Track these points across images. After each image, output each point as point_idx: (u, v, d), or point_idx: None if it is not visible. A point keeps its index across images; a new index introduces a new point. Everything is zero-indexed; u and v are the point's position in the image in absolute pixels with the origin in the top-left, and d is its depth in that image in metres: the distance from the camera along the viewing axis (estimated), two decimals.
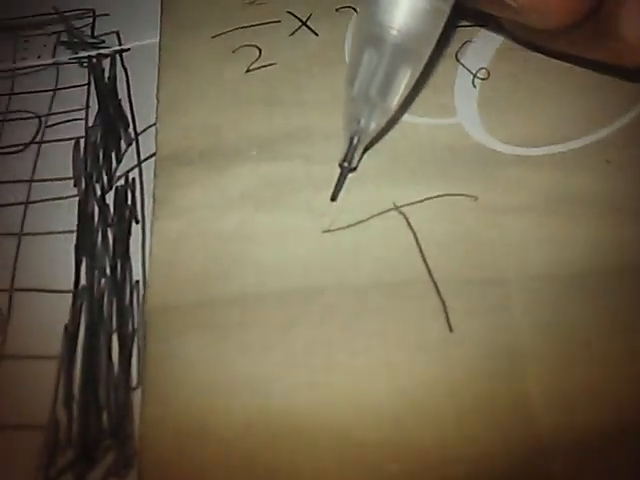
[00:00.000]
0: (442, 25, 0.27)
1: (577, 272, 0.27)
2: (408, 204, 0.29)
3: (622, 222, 0.28)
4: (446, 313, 0.27)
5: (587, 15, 0.26)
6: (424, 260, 0.28)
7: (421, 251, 0.28)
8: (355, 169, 0.30)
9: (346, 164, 0.29)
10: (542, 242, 0.28)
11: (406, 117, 0.32)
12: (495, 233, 0.28)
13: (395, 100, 0.28)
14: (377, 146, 0.31)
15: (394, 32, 0.26)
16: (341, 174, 0.29)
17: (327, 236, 0.29)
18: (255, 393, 0.25)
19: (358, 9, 0.32)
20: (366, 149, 0.29)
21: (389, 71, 0.27)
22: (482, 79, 0.33)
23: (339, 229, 0.29)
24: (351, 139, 0.28)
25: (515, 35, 0.32)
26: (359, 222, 0.29)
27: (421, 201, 0.29)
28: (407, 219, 0.29)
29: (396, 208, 0.29)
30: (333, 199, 0.29)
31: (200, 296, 0.28)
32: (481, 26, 0.34)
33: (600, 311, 0.26)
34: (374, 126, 0.28)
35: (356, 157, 0.29)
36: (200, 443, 0.25)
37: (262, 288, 0.28)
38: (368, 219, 0.29)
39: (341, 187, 0.29)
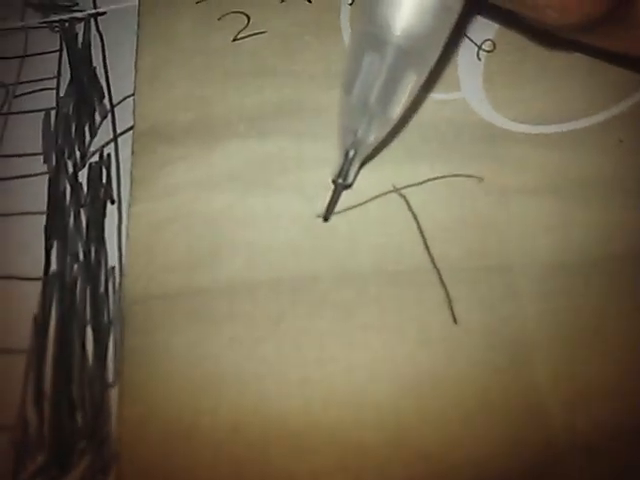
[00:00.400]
0: (451, 25, 0.24)
1: (587, 258, 0.26)
2: (408, 186, 0.27)
3: (635, 205, 0.27)
4: (450, 303, 0.25)
5: (606, 13, 0.24)
6: (426, 246, 0.26)
7: (423, 237, 0.26)
8: (350, 186, 0.27)
9: (340, 180, 0.26)
10: (551, 227, 0.27)
11: None
12: (501, 217, 0.27)
13: (397, 110, 0.25)
14: None
15: (397, 33, 0.24)
16: (335, 191, 0.26)
17: (321, 221, 0.27)
18: (245, 391, 0.24)
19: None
20: (363, 164, 0.27)
21: (391, 77, 0.24)
22: (487, 51, 0.31)
23: (334, 213, 0.27)
24: (347, 152, 0.26)
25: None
26: (355, 206, 0.27)
27: (422, 182, 0.27)
28: (407, 202, 0.27)
29: (396, 190, 0.27)
30: (325, 219, 0.27)
31: (184, 285, 0.26)
32: None
33: (612, 299, 0.25)
34: (373, 138, 0.26)
35: (352, 173, 0.26)
36: (185, 447, 0.23)
37: (252, 276, 0.26)
38: (365, 202, 0.27)
39: (334, 206, 0.27)
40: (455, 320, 0.25)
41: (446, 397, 0.23)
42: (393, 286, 0.25)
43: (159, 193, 0.28)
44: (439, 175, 0.28)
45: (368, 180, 0.28)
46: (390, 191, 0.27)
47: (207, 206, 0.27)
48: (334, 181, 0.26)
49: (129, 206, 0.28)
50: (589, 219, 0.26)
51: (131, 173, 0.29)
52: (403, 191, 0.27)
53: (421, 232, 0.26)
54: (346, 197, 0.27)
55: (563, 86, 0.30)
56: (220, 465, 0.23)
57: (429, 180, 0.27)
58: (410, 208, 0.27)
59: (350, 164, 0.26)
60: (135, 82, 0.31)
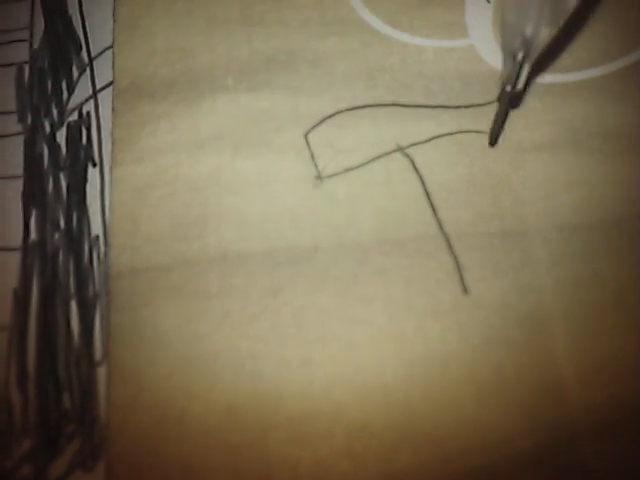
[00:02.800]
0: None
1: (610, 218, 0.24)
2: (413, 144, 0.25)
3: None
4: (460, 272, 0.23)
5: None
6: (433, 210, 0.24)
7: (429, 200, 0.25)
8: (520, 97, 0.24)
9: (509, 87, 0.23)
10: (570, 185, 0.25)
11: (408, 38, 0.27)
12: (516, 177, 0.25)
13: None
14: (375, 75, 0.26)
15: None
16: (502, 101, 0.23)
17: (319, 184, 0.25)
18: (240, 371, 0.22)
19: None
20: (534, 69, 0.24)
21: None
22: None
23: (333, 175, 0.25)
24: (515, 55, 0.23)
25: None
26: (357, 166, 0.25)
27: (428, 140, 0.26)
28: (413, 162, 0.25)
29: (400, 149, 0.25)
30: (492, 144, 0.24)
31: (172, 257, 0.24)
32: None
33: (636, 263, 0.23)
34: (544, 35, 0.22)
35: (521, 78, 0.23)
36: (177, 432, 0.22)
37: (244, 247, 0.24)
38: (367, 163, 0.25)
39: (503, 123, 0.23)
40: (466, 290, 0.23)
41: (457, 375, 0.22)
42: (398, 255, 0.24)
43: (141, 155, 0.26)
44: (446, 132, 0.26)
45: (369, 138, 0.26)
46: (393, 150, 0.25)
47: (193, 170, 0.25)
48: (502, 89, 0.23)
49: (111, 169, 0.26)
50: (612, 175, 0.25)
51: (112, 134, 0.26)
52: (407, 150, 0.25)
53: (427, 195, 0.25)
54: (345, 158, 0.25)
55: (579, 31, 0.27)
56: (214, 451, 0.21)
57: (435, 137, 0.26)
58: (415, 168, 0.25)
59: (519, 68, 0.23)
60: (113, 33, 0.28)
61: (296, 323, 0.23)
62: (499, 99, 0.23)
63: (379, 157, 0.25)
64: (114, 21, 0.29)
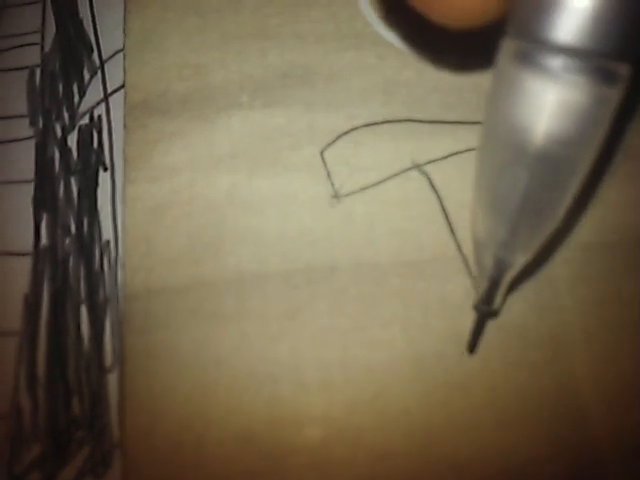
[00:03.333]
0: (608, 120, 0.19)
1: (630, 237, 0.24)
2: (430, 162, 0.25)
3: None
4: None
5: None
6: (452, 231, 0.24)
7: (448, 220, 0.24)
8: (497, 314, 0.22)
9: (484, 307, 0.22)
10: (590, 204, 0.24)
11: None
12: None
13: (548, 225, 0.20)
14: (391, 90, 0.26)
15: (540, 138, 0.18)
16: (478, 320, 0.22)
17: (336, 203, 0.24)
18: (258, 396, 0.22)
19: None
20: (512, 287, 0.23)
21: (538, 188, 0.19)
22: None
23: (350, 194, 0.24)
24: (488, 276, 0.21)
25: None
26: (373, 185, 0.25)
27: (446, 157, 0.25)
28: (430, 180, 0.25)
29: (416, 167, 0.25)
30: (471, 351, 0.22)
31: (188, 278, 0.24)
32: None
33: None
34: (521, 260, 0.21)
35: (498, 297, 0.21)
36: (193, 460, 0.21)
37: (262, 268, 0.24)
38: (383, 181, 0.24)
39: (479, 337, 0.22)
40: None
41: (478, 400, 0.22)
42: (417, 277, 0.23)
43: (155, 174, 0.25)
44: (464, 148, 0.25)
45: (385, 156, 0.25)
46: (409, 168, 0.25)
47: (208, 189, 0.25)
48: (476, 307, 0.22)
49: (124, 179, 0.25)
50: (633, 194, 0.24)
51: (123, 152, 0.26)
52: (424, 167, 0.25)
53: (445, 214, 0.24)
54: (362, 176, 0.25)
55: None
56: (232, 478, 0.21)
57: (453, 154, 0.25)
58: (432, 186, 0.25)
59: (496, 287, 0.21)
60: (124, 47, 0.28)
61: (315, 346, 0.22)
62: (475, 310, 0.22)
63: (395, 175, 0.25)
64: (125, 35, 0.28)
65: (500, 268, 0.21)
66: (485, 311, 0.22)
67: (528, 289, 0.23)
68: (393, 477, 0.21)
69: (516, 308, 0.23)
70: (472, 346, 0.22)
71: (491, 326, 0.23)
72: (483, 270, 0.21)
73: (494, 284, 0.21)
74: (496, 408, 0.22)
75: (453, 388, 0.22)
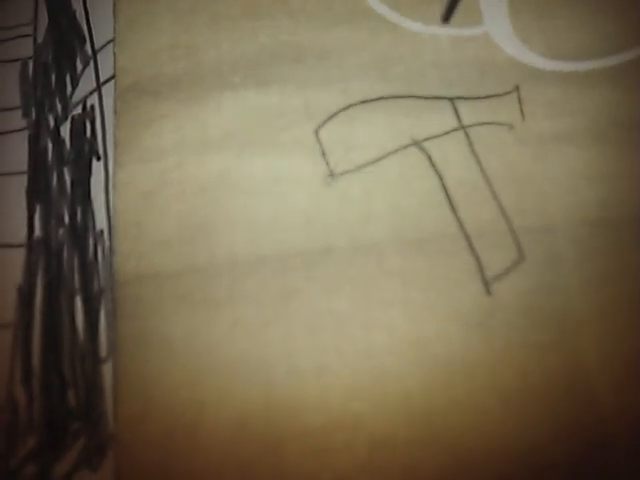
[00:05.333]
0: None
1: (638, 212, 0.23)
2: (430, 138, 0.24)
3: None
4: (482, 272, 0.22)
5: None
6: (452, 208, 0.23)
7: (448, 196, 0.23)
8: None
9: None
10: (595, 178, 0.24)
11: (421, 27, 0.26)
12: (538, 169, 0.24)
13: None
14: (386, 66, 0.25)
15: None
16: None
17: (331, 182, 0.24)
18: (252, 382, 0.21)
19: None
20: None
21: None
22: None
23: (346, 172, 0.24)
24: None
25: None
26: (370, 162, 0.24)
27: (446, 133, 0.24)
28: (429, 156, 0.24)
29: (415, 143, 0.24)
30: (445, 20, 0.22)
31: (179, 262, 0.23)
32: None
33: None
34: None
35: None
36: (187, 447, 0.21)
37: (255, 251, 0.23)
38: (381, 159, 0.24)
39: (457, 3, 0.23)
40: (489, 292, 0.22)
41: (482, 382, 0.21)
42: (416, 256, 0.23)
43: (146, 156, 0.25)
44: (464, 124, 0.25)
45: (383, 133, 0.25)
46: (409, 145, 0.24)
47: (200, 170, 0.24)
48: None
49: (114, 165, 0.25)
50: (635, 167, 0.24)
51: (114, 135, 0.25)
52: (423, 144, 0.24)
53: (445, 191, 0.24)
54: (359, 153, 0.24)
55: (602, 14, 0.26)
56: (226, 466, 0.20)
57: (453, 130, 0.25)
58: (432, 164, 0.24)
59: None
60: (114, 31, 0.28)
61: (310, 330, 0.22)
62: None
63: (394, 152, 0.24)
64: (114, 18, 0.28)
65: None
66: None
67: (533, 268, 0.22)
68: (393, 464, 0.20)
69: (521, 287, 0.22)
70: (447, 14, 0.22)
71: (495, 305, 0.22)
72: None
73: None
74: (501, 391, 0.21)
75: (456, 370, 0.21)
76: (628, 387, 0.21)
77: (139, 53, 0.27)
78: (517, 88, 0.25)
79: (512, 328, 0.22)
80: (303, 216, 0.23)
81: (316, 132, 0.25)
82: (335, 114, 0.25)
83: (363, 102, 0.25)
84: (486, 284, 0.22)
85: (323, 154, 0.24)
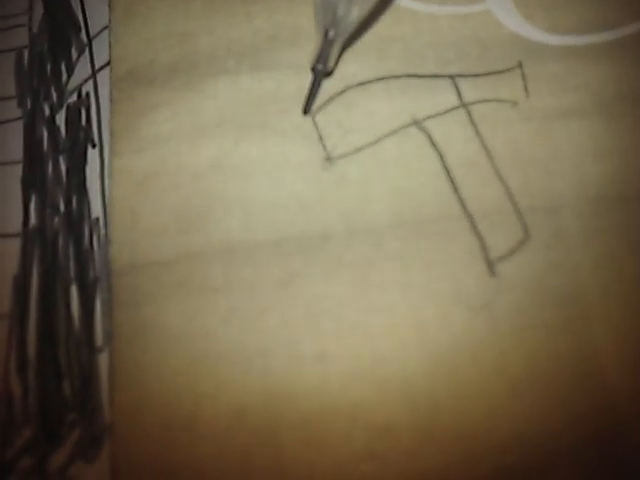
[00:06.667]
0: None
1: None
2: (430, 117, 0.24)
3: None
4: (485, 253, 0.22)
5: None
6: (454, 188, 0.23)
7: (449, 177, 0.23)
8: (331, 73, 0.24)
9: (320, 66, 0.24)
10: (603, 154, 0.23)
11: (419, 5, 0.25)
12: (542, 146, 0.23)
13: None
14: (385, 46, 0.25)
15: None
16: (314, 80, 0.24)
17: (329, 166, 0.23)
18: (249, 370, 0.21)
19: None
20: (345, 47, 0.24)
21: None
22: None
23: (344, 155, 0.23)
24: (326, 32, 0.23)
25: None
26: (369, 144, 0.23)
27: (446, 112, 0.24)
28: (430, 136, 0.23)
29: (415, 123, 0.24)
30: (305, 112, 0.24)
31: (175, 250, 0.23)
32: None
33: None
34: (355, 14, 0.23)
35: (332, 57, 0.24)
36: (185, 436, 0.20)
37: (251, 236, 0.23)
38: (380, 140, 0.23)
39: (315, 97, 0.24)
40: (493, 272, 0.21)
41: (487, 365, 0.20)
42: (417, 238, 0.22)
43: (141, 145, 0.25)
44: (465, 102, 0.24)
45: (381, 115, 0.24)
46: (409, 124, 0.24)
47: (195, 157, 0.24)
48: (313, 68, 0.24)
49: (110, 153, 0.25)
50: None
51: (110, 123, 0.25)
52: (423, 124, 0.24)
53: (447, 171, 0.23)
54: (357, 135, 0.24)
55: None
56: (225, 455, 0.20)
57: (454, 109, 0.24)
58: (433, 143, 0.23)
59: (330, 46, 0.23)
60: (109, 20, 0.27)
61: (308, 315, 0.21)
62: (312, 71, 0.24)
63: (393, 133, 0.23)
64: (110, 7, 0.27)
65: (338, 24, 0.23)
66: (321, 71, 0.24)
67: (540, 247, 0.22)
68: (394, 452, 0.19)
69: (527, 267, 0.21)
70: (307, 107, 0.24)
71: (500, 286, 0.21)
72: (324, 28, 0.23)
73: (331, 43, 0.23)
74: (507, 374, 0.20)
75: (459, 355, 0.20)
76: (639, 367, 0.20)
77: (134, 42, 0.26)
78: (520, 64, 0.24)
79: (518, 309, 0.21)
80: (300, 201, 0.23)
81: (312, 116, 0.24)
82: (332, 97, 0.24)
83: (360, 84, 0.24)
84: (490, 265, 0.21)
85: (320, 138, 0.24)
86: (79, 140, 0.26)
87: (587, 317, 0.21)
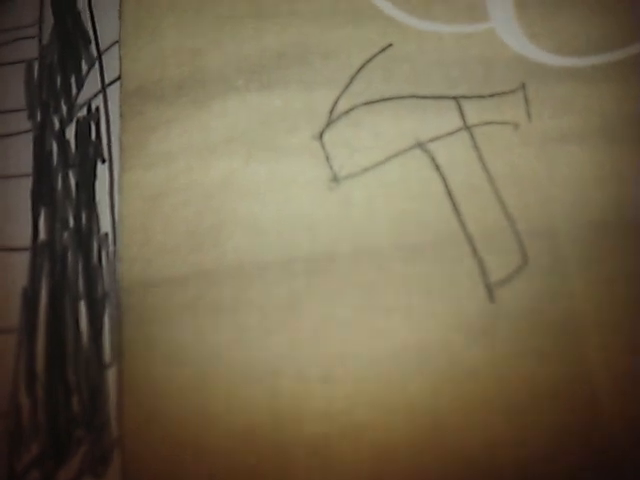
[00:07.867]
0: None
1: None
2: (433, 139, 0.24)
3: None
4: (485, 278, 0.22)
5: None
6: (456, 211, 0.23)
7: (452, 199, 0.23)
8: None
9: None
10: (602, 180, 0.23)
11: (425, 25, 0.26)
12: (543, 171, 0.24)
13: None
14: (391, 65, 0.25)
15: None
16: None
17: (335, 186, 0.24)
18: (256, 389, 0.21)
19: None
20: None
21: None
22: None
23: (350, 176, 0.24)
24: None
25: None
26: (374, 165, 0.24)
27: (450, 134, 0.24)
28: (433, 158, 0.24)
29: (419, 145, 0.24)
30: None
31: (185, 268, 0.23)
32: None
33: None
34: None
35: None
36: (193, 455, 0.21)
37: (260, 256, 0.23)
38: (383, 162, 0.24)
39: None
40: (492, 298, 0.22)
41: (486, 390, 0.21)
42: (420, 261, 0.22)
43: (152, 161, 0.25)
44: (468, 124, 0.24)
45: (387, 134, 0.24)
46: (413, 146, 0.24)
47: (206, 175, 0.24)
48: None
49: (120, 168, 0.25)
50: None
51: (120, 139, 0.25)
52: (427, 145, 0.24)
53: (449, 194, 0.23)
54: (362, 156, 0.24)
55: (608, 9, 0.26)
56: (232, 474, 0.21)
57: (457, 131, 0.24)
58: (435, 165, 0.24)
59: None
60: (120, 35, 0.27)
61: (315, 337, 0.22)
62: None
63: (397, 155, 0.24)
64: (120, 23, 0.27)
65: None
66: None
67: (537, 272, 0.22)
68: (397, 473, 0.20)
69: (525, 293, 0.22)
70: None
71: (499, 313, 0.22)
72: None
73: None
74: (505, 398, 0.21)
75: (460, 378, 0.21)
76: (632, 396, 0.20)
77: (144, 57, 0.26)
78: (523, 86, 0.25)
79: (516, 334, 0.21)
80: (307, 221, 0.23)
81: (320, 135, 0.24)
82: (339, 116, 0.25)
83: (367, 103, 0.25)
84: (489, 290, 0.22)
85: (327, 158, 0.24)
86: (89, 155, 0.26)
87: (582, 343, 0.21)
